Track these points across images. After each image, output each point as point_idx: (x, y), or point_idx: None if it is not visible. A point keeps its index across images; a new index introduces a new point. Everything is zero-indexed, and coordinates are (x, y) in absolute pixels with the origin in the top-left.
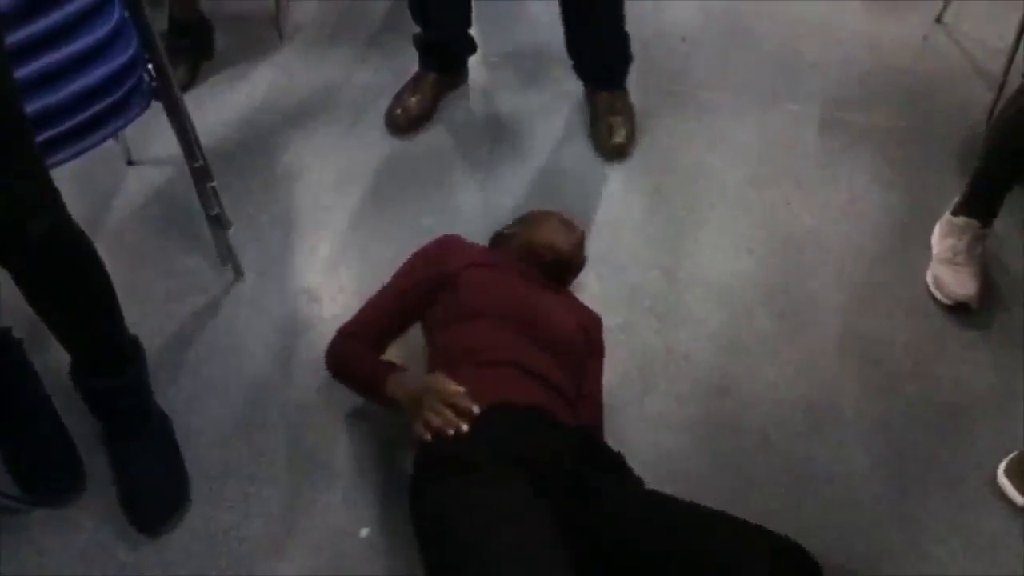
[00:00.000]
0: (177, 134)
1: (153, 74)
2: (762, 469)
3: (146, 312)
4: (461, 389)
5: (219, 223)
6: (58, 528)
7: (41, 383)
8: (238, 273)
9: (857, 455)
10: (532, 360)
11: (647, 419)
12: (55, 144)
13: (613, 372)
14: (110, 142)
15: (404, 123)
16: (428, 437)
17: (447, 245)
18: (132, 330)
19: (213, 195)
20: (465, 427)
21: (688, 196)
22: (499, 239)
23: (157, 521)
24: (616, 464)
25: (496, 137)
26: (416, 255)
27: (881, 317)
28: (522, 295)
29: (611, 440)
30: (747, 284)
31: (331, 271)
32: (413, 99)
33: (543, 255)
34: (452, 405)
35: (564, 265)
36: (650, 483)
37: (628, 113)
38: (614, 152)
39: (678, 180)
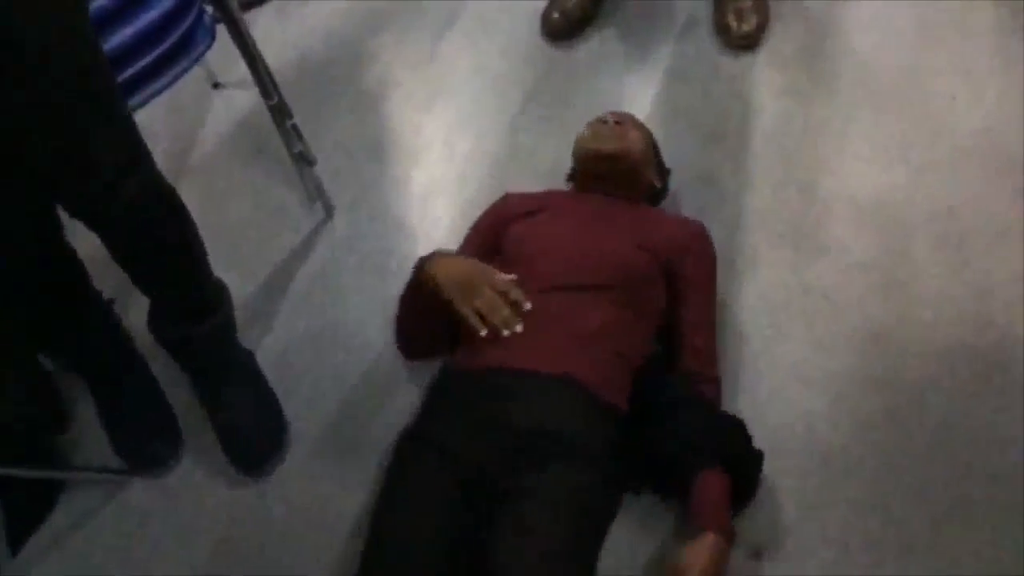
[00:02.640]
0: (250, 71)
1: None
2: (916, 435)
3: (237, 255)
4: (511, 277)
5: (303, 160)
6: (160, 495)
7: (137, 350)
8: (328, 211)
9: None
10: (551, 314)
11: (778, 373)
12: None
13: (738, 314)
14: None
15: (564, 28)
16: (484, 332)
17: (499, 208)
18: (224, 274)
19: (294, 132)
20: (520, 328)
21: (830, 94)
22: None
23: (260, 460)
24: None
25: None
26: (476, 223)
27: None
28: (556, 240)
29: (735, 400)
30: (902, 203)
31: (428, 203)
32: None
33: (590, 168)
34: (503, 294)
35: (615, 169)
36: (781, 450)
37: None
38: (741, 42)
39: (817, 75)
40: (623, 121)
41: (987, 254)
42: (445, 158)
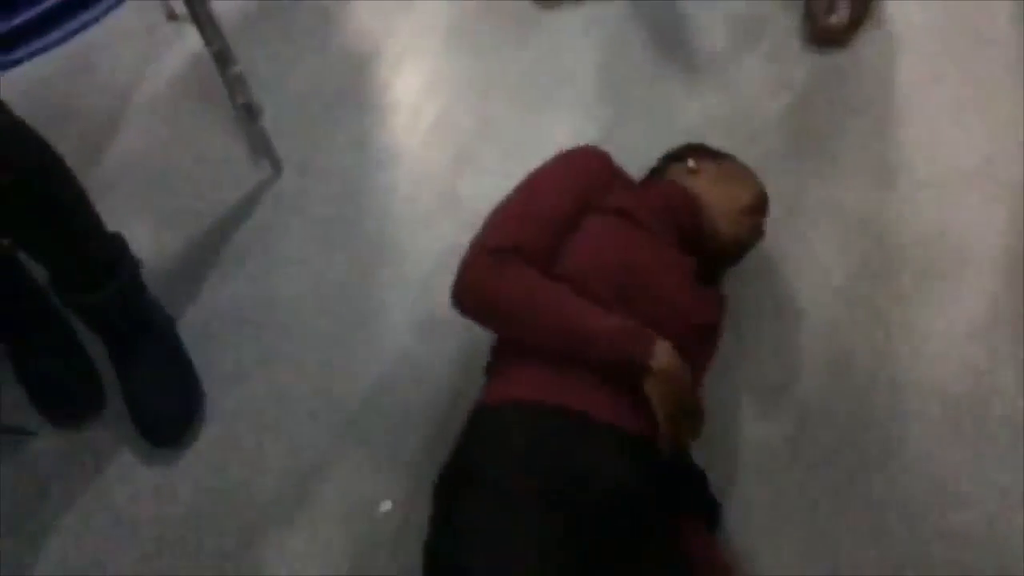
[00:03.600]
0: (189, 12)
1: None
2: (875, 478)
3: (169, 210)
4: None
5: (248, 113)
6: (62, 459)
7: (47, 298)
8: (276, 168)
9: (1004, 470)
10: None
11: (742, 396)
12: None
13: None
14: None
15: None
16: (665, 449)
17: (605, 165)
18: (152, 232)
19: (238, 82)
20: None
21: (829, 96)
22: (665, 170)
23: (170, 435)
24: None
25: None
26: (564, 164)
27: None
28: (670, 289)
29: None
30: (890, 225)
31: (384, 169)
32: None
33: (719, 250)
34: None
35: (727, 259)
36: (739, 482)
37: None
38: (824, 35)
39: (819, 73)
40: (764, 221)
41: (977, 289)
42: (409, 123)
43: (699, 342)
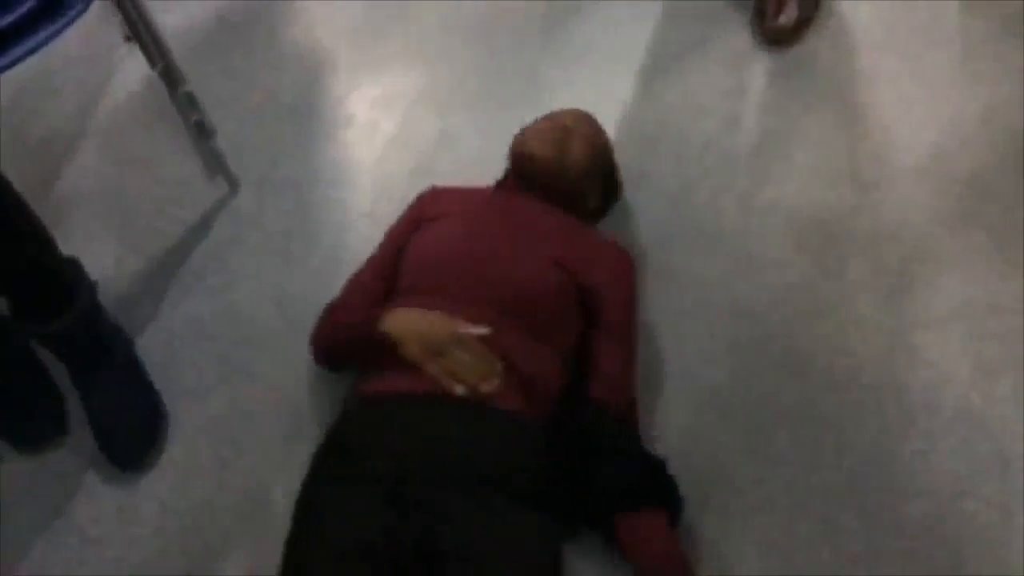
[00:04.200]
0: (132, 34)
1: None
2: (831, 474)
3: (129, 230)
4: (482, 331)
5: (201, 131)
6: (27, 480)
7: (8, 325)
8: (233, 186)
9: (958, 461)
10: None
11: (694, 400)
12: None
13: (659, 331)
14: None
15: None
16: (460, 390)
17: (416, 210)
18: (112, 251)
19: (189, 101)
20: (497, 381)
21: (782, 96)
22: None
23: (133, 455)
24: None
25: None
26: (392, 227)
27: (1015, 280)
28: (468, 248)
29: (647, 427)
30: (842, 222)
31: (340, 185)
32: None
33: (518, 169)
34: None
35: (544, 177)
36: (691, 482)
37: None
38: (771, 35)
39: (771, 74)
40: (572, 128)
41: (927, 285)
42: (365, 138)
43: (577, 294)
